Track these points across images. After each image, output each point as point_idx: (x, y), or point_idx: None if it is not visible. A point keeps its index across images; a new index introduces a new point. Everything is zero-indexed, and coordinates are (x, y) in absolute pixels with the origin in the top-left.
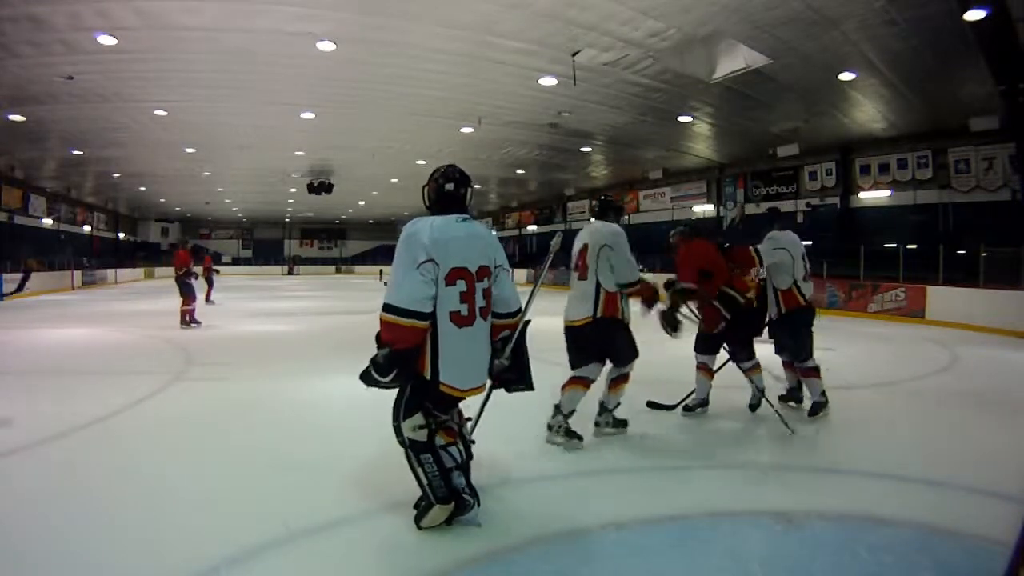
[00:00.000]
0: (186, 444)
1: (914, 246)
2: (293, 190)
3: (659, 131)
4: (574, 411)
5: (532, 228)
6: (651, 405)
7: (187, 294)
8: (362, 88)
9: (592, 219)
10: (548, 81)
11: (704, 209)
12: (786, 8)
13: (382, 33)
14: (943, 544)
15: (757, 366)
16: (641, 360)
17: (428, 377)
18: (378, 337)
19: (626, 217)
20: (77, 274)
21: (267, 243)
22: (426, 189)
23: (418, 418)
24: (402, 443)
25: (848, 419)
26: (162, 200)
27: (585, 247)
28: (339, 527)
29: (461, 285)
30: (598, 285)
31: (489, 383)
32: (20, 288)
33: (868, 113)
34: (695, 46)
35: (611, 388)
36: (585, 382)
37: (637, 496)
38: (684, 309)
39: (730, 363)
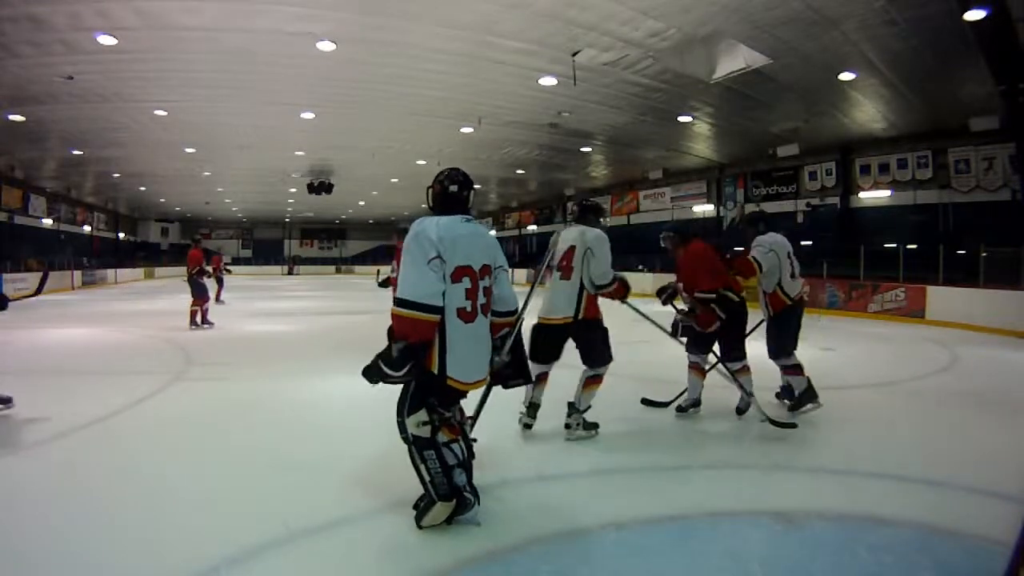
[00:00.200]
0: (186, 444)
1: (914, 246)
2: (293, 190)
3: (659, 131)
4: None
5: (532, 228)
6: (645, 403)
7: (198, 294)
8: (362, 88)
9: (573, 222)
10: (548, 81)
11: (704, 209)
12: (786, 8)
13: (382, 33)
14: (943, 544)
15: (747, 368)
16: (637, 360)
17: (436, 372)
18: (390, 332)
19: (606, 220)
20: (77, 274)
21: (267, 243)
22: (430, 190)
23: (422, 414)
24: (406, 439)
25: (848, 419)
26: (162, 200)
27: (572, 249)
28: (339, 527)
29: (466, 282)
30: (581, 287)
31: (488, 380)
32: (40, 290)
33: (868, 113)
34: (695, 46)
35: (584, 388)
36: (545, 377)
37: (637, 496)
38: (675, 306)
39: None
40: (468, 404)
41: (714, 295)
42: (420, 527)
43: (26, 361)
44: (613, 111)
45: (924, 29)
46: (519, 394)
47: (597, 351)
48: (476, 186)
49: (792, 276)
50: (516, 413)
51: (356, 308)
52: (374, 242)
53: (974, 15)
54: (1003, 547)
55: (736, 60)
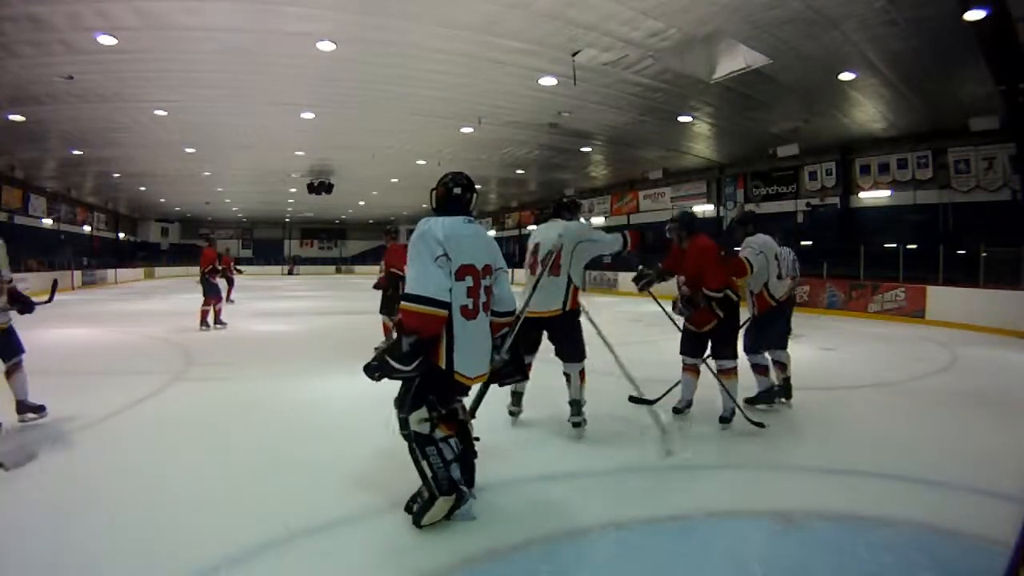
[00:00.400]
0: (186, 444)
1: (914, 246)
2: (293, 190)
3: (659, 131)
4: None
5: (532, 228)
6: (633, 400)
7: (210, 294)
8: (362, 88)
9: (550, 219)
10: (548, 81)
11: (704, 209)
12: (786, 8)
13: (382, 33)
14: (943, 544)
15: (735, 370)
16: (634, 360)
17: (443, 367)
18: (398, 327)
19: (582, 218)
20: (77, 274)
21: (267, 243)
22: (434, 192)
23: (423, 411)
24: (407, 436)
25: (848, 419)
26: (162, 200)
27: (559, 247)
28: (339, 527)
29: (468, 281)
30: (569, 280)
31: (487, 377)
32: (51, 298)
33: (868, 113)
34: (695, 46)
35: (581, 383)
36: (528, 367)
37: (637, 496)
38: (652, 293)
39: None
40: (466, 404)
41: (721, 295)
42: (421, 526)
43: (26, 361)
44: (613, 111)
45: (924, 29)
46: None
47: (578, 345)
48: (476, 187)
49: (779, 277)
50: (512, 419)
51: (356, 308)
52: (374, 242)
53: (974, 15)
54: (1003, 547)
55: (736, 60)
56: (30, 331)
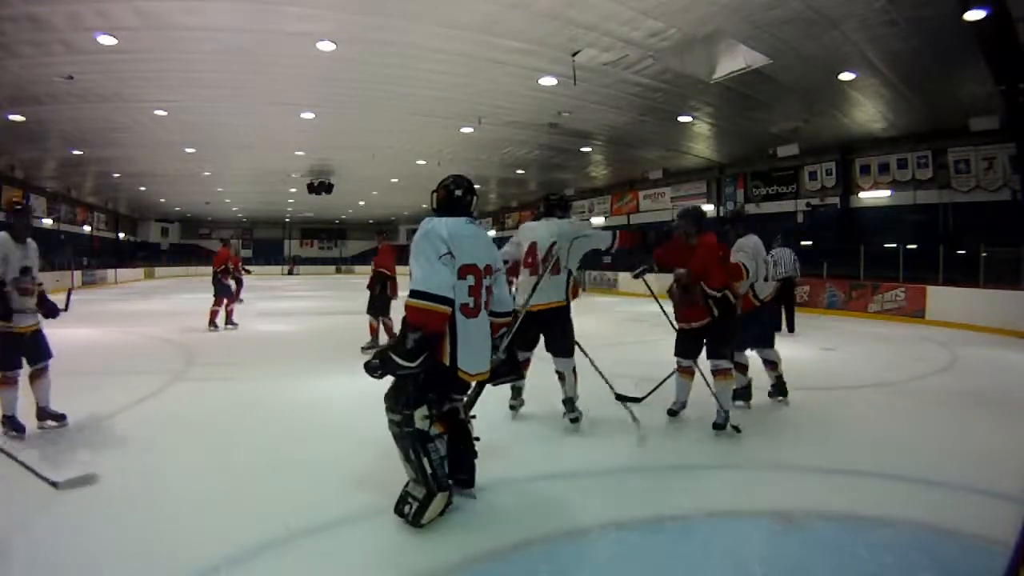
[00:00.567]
0: (186, 444)
1: (914, 246)
2: (293, 190)
3: (659, 131)
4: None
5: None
6: (620, 399)
7: (220, 294)
8: (362, 88)
9: (544, 218)
10: (548, 81)
11: (704, 209)
12: (786, 8)
13: (382, 33)
14: (943, 544)
15: (730, 371)
16: (631, 359)
17: (448, 363)
18: (404, 325)
19: (573, 216)
20: (77, 274)
21: (267, 243)
22: (435, 194)
23: (425, 408)
24: (409, 433)
25: (848, 419)
26: (162, 200)
27: (552, 245)
28: (339, 527)
29: (470, 280)
30: (569, 274)
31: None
32: (67, 307)
33: (868, 113)
34: (695, 46)
35: (575, 380)
36: (527, 363)
37: (637, 496)
38: (647, 283)
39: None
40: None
41: (719, 294)
42: (421, 525)
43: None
44: (613, 111)
45: (924, 29)
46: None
47: (569, 340)
48: (476, 186)
49: (765, 279)
50: (514, 412)
51: (356, 308)
52: (374, 242)
53: (974, 15)
54: (1003, 547)
55: (736, 60)
56: None
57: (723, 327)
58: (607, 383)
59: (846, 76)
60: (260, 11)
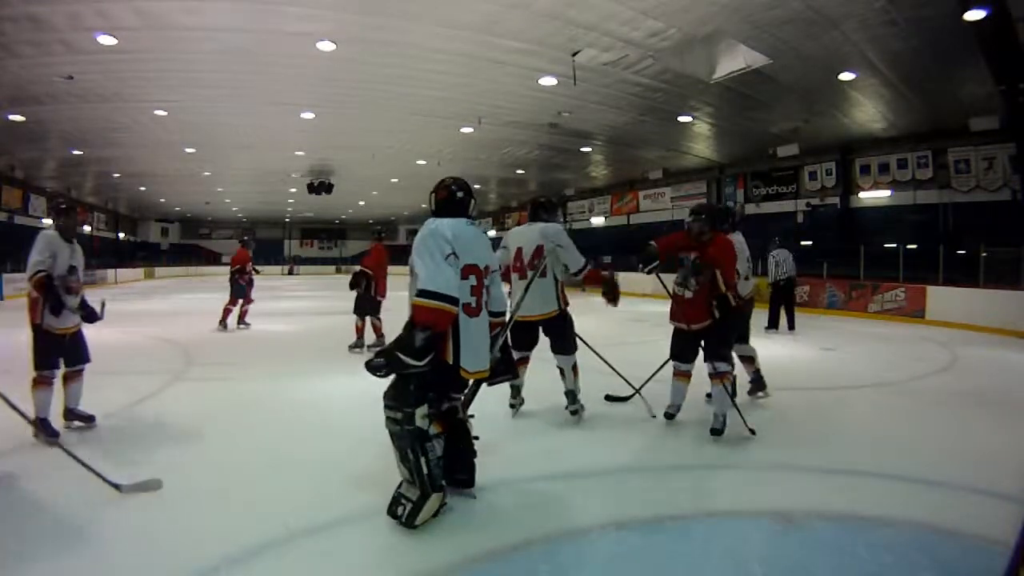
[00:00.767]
0: (186, 444)
1: (914, 246)
2: (293, 190)
3: (659, 131)
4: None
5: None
6: (609, 399)
7: (234, 294)
8: (362, 88)
9: (530, 222)
10: (548, 81)
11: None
12: (786, 8)
13: (382, 33)
14: (943, 544)
15: (728, 374)
16: (632, 359)
17: (451, 362)
18: (409, 324)
19: (561, 218)
20: None
21: (267, 243)
22: (435, 195)
23: (426, 407)
24: (410, 432)
25: (848, 419)
26: (162, 200)
27: (540, 248)
28: (339, 527)
29: (472, 280)
30: (555, 280)
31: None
32: (101, 315)
33: (868, 113)
34: (695, 46)
35: (575, 376)
36: (526, 360)
37: (636, 496)
38: (660, 276)
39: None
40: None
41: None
42: (415, 527)
43: (26, 361)
44: (613, 111)
45: (924, 29)
46: (519, 395)
47: (571, 339)
48: (476, 186)
49: (746, 279)
50: (513, 412)
51: None
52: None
53: (974, 15)
54: (1003, 547)
55: (736, 60)
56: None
57: (724, 328)
58: (626, 381)
59: (846, 76)
60: (260, 11)
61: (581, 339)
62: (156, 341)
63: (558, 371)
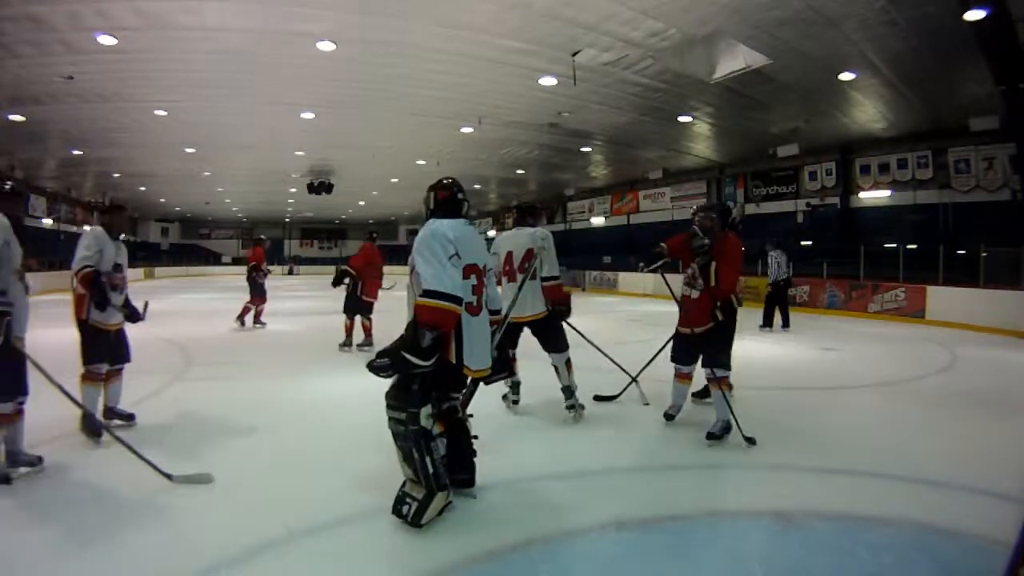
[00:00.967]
0: (186, 444)
1: (914, 246)
2: (293, 190)
3: (659, 131)
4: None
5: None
6: (597, 399)
7: (253, 293)
8: (362, 88)
9: (515, 226)
10: (548, 81)
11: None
12: (786, 8)
13: (382, 33)
14: (943, 544)
15: (727, 378)
16: (632, 359)
17: (454, 361)
18: (413, 325)
19: (545, 223)
20: None
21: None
22: (434, 193)
23: (430, 407)
24: (414, 432)
25: (848, 419)
26: (162, 200)
27: (530, 251)
28: (339, 527)
29: (473, 279)
30: (542, 281)
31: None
32: (144, 316)
33: (868, 113)
34: (695, 46)
35: (569, 372)
36: (513, 359)
37: (636, 496)
38: (664, 276)
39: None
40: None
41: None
42: (420, 525)
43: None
44: (613, 111)
45: (924, 29)
46: (518, 394)
47: (561, 337)
48: (476, 186)
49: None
50: (513, 411)
51: None
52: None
53: (974, 15)
54: (1003, 547)
55: (736, 60)
56: (31, 331)
57: (725, 333)
58: (629, 375)
59: (846, 76)
60: (260, 11)
61: (575, 329)
62: (156, 341)
63: (553, 369)
